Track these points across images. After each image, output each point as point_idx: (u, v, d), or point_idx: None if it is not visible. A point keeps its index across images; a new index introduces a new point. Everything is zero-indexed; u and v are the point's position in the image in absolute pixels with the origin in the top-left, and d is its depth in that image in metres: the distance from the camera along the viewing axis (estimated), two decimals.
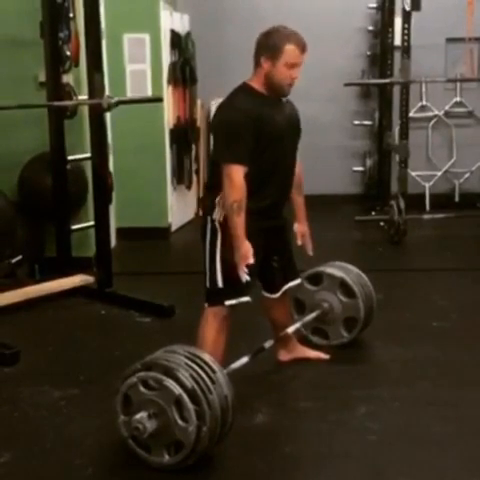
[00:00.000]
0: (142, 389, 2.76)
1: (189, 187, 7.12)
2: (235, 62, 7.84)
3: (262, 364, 3.58)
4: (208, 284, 3.29)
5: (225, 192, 3.13)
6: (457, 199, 7.87)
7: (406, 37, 6.15)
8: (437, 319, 4.42)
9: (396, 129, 7.07)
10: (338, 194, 7.85)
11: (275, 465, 2.88)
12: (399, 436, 3.05)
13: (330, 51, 7.68)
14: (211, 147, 3.49)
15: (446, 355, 3.90)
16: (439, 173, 7.88)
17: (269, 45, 3.20)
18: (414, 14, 6.11)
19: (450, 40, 7.55)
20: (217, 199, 3.22)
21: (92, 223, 5.04)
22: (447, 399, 3.38)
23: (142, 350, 3.07)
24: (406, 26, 6.15)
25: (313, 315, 3.87)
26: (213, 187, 3.27)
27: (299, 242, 3.59)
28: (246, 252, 3.14)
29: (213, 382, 2.75)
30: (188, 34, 7.04)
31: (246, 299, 3.26)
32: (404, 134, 6.34)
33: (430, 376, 3.64)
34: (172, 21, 6.68)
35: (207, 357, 2.86)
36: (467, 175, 7.89)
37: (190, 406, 2.68)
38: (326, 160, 7.76)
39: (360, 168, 7.85)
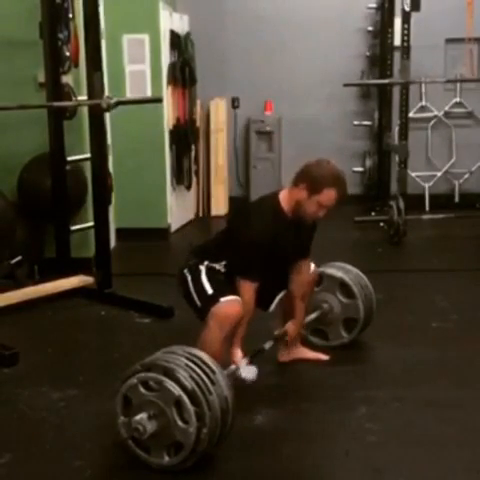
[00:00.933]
0: (142, 390, 2.76)
1: (189, 188, 7.13)
2: (234, 63, 7.88)
3: (262, 364, 3.57)
4: (199, 303, 3.35)
5: None
6: (457, 199, 7.88)
7: (406, 37, 6.16)
8: (437, 320, 4.42)
9: (396, 129, 7.08)
10: None
11: (275, 466, 2.87)
12: (399, 437, 3.05)
13: (330, 52, 7.70)
14: (228, 226, 3.61)
15: (446, 356, 3.90)
16: (439, 173, 7.89)
17: (313, 177, 3.28)
18: (414, 14, 6.12)
19: (450, 40, 7.56)
20: (206, 262, 3.39)
21: (92, 224, 5.03)
22: (447, 400, 3.38)
23: (142, 351, 3.08)
24: (406, 26, 6.16)
25: (313, 316, 3.87)
26: (209, 254, 3.43)
27: (276, 332, 3.61)
28: (236, 360, 3.30)
29: (213, 383, 2.75)
30: (187, 34, 7.04)
31: (236, 297, 3.27)
32: (404, 134, 6.34)
33: (430, 377, 3.64)
34: (171, 22, 6.68)
35: (206, 358, 2.85)
36: (467, 175, 7.89)
37: (190, 407, 2.68)
38: None
39: (360, 168, 7.85)
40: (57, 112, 4.99)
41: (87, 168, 5.13)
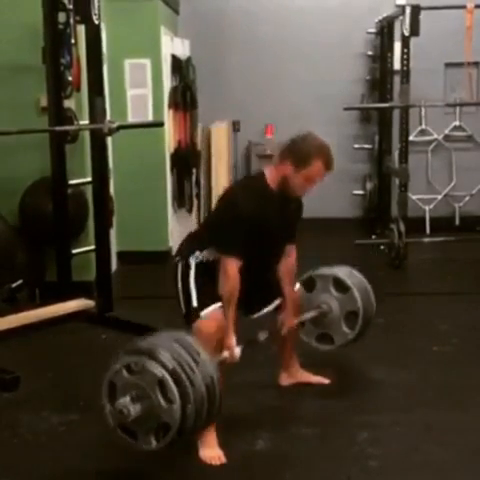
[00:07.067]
0: (126, 374, 2.73)
1: (190, 211, 7.14)
2: (235, 87, 7.93)
3: (263, 389, 3.57)
4: (184, 309, 3.33)
5: (220, 281, 3.23)
6: (457, 222, 7.88)
7: (405, 62, 6.19)
8: (438, 343, 4.41)
9: (396, 153, 7.10)
10: (338, 217, 7.86)
11: None
12: (400, 462, 3.04)
13: (330, 76, 7.74)
14: (212, 212, 3.51)
15: (447, 380, 3.89)
16: (439, 196, 7.90)
17: (299, 152, 3.25)
18: (413, 39, 6.15)
19: (449, 65, 7.61)
20: (197, 253, 3.35)
21: (93, 247, 5.04)
22: (449, 424, 3.37)
23: None
24: (405, 51, 6.19)
25: (312, 313, 3.79)
26: (200, 241, 3.40)
27: (283, 332, 3.55)
28: (231, 347, 3.22)
29: (196, 362, 2.71)
30: (189, 59, 7.09)
31: (215, 306, 3.24)
32: (404, 158, 6.36)
33: (431, 401, 3.63)
34: (173, 46, 6.73)
35: (191, 340, 2.84)
36: (467, 198, 7.91)
37: (173, 386, 2.63)
38: (326, 183, 7.68)
39: (360, 192, 7.87)
40: (59, 136, 5.01)
41: (88, 191, 5.15)
